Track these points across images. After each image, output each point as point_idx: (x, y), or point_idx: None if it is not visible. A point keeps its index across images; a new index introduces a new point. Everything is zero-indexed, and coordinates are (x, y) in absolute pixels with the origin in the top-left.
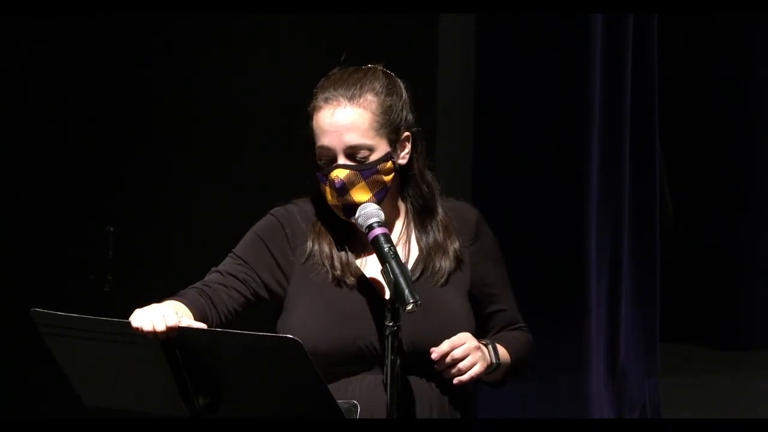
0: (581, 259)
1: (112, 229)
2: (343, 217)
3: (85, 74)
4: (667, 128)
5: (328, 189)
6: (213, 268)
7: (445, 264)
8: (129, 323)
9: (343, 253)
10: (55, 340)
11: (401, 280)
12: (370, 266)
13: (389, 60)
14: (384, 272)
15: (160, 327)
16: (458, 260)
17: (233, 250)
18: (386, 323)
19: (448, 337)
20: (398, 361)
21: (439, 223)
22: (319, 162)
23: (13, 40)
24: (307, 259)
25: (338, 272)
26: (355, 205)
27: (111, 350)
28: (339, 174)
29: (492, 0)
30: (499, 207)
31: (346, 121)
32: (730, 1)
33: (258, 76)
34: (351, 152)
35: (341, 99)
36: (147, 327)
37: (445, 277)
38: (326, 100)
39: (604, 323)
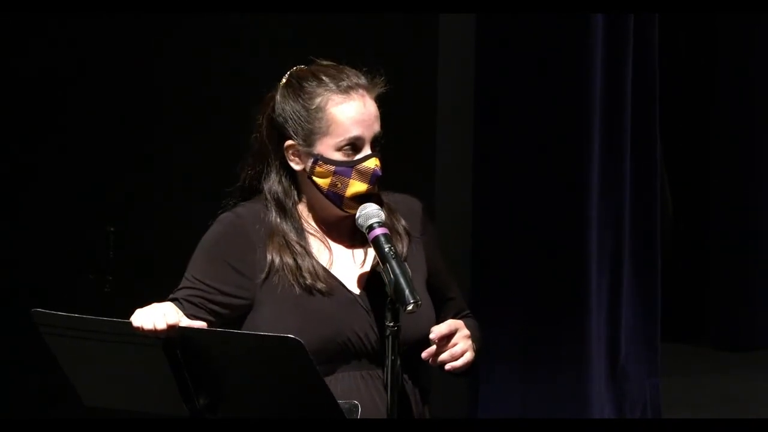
0: (582, 259)
1: (112, 229)
2: (350, 211)
3: (86, 74)
4: (667, 128)
5: (354, 181)
6: (171, 295)
7: (401, 245)
8: (130, 323)
9: (310, 261)
10: (55, 340)
11: (401, 280)
12: (338, 263)
13: (389, 60)
14: (384, 272)
15: (161, 325)
16: (409, 237)
17: (189, 270)
18: (386, 323)
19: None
20: (398, 362)
21: (383, 205)
22: (336, 156)
23: (13, 40)
24: (269, 274)
25: (308, 281)
26: (376, 195)
27: (112, 350)
28: (377, 163)
29: (492, 0)
30: (500, 207)
31: (374, 110)
32: (731, 1)
33: (258, 76)
34: (375, 141)
35: (361, 89)
36: (147, 326)
37: (404, 257)
38: (347, 90)
39: (605, 323)
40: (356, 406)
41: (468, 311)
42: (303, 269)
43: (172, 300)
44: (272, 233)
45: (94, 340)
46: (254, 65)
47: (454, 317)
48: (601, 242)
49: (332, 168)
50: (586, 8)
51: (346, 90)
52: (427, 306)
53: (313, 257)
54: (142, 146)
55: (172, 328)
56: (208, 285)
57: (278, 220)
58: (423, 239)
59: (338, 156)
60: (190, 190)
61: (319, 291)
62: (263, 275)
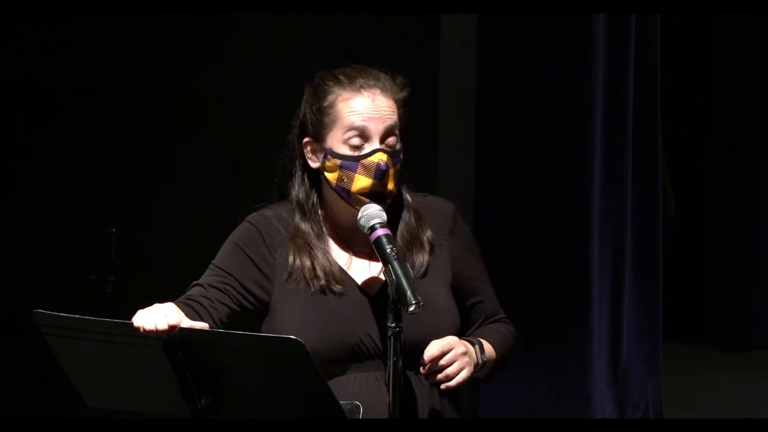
0: (584, 259)
1: (114, 229)
2: (358, 205)
3: (87, 74)
4: (669, 129)
5: (359, 176)
6: (194, 282)
7: (422, 256)
8: (131, 324)
9: (326, 261)
10: (57, 341)
11: (404, 281)
12: (355, 266)
13: (390, 60)
14: (386, 273)
15: (162, 326)
16: (431, 247)
17: (213, 261)
18: (388, 324)
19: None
20: (400, 362)
21: (411, 212)
22: (343, 151)
23: (13, 39)
24: (290, 275)
25: (323, 282)
26: (385, 193)
27: (113, 351)
28: (383, 157)
29: (494, 0)
30: (502, 207)
31: (386, 107)
32: (731, 1)
33: (259, 76)
34: (386, 137)
35: (377, 89)
36: (149, 326)
37: (424, 268)
38: (362, 87)
39: (607, 323)
40: (358, 407)
41: (501, 315)
42: (318, 270)
43: (195, 286)
44: (294, 235)
45: (96, 341)
46: (255, 66)
47: (483, 322)
48: (603, 242)
49: (338, 162)
50: (587, 8)
51: (358, 88)
52: (448, 309)
53: (330, 258)
54: (144, 146)
55: (173, 329)
56: (228, 273)
57: (300, 222)
58: (451, 240)
59: (345, 150)
60: (192, 191)
61: (333, 292)
62: (284, 276)
